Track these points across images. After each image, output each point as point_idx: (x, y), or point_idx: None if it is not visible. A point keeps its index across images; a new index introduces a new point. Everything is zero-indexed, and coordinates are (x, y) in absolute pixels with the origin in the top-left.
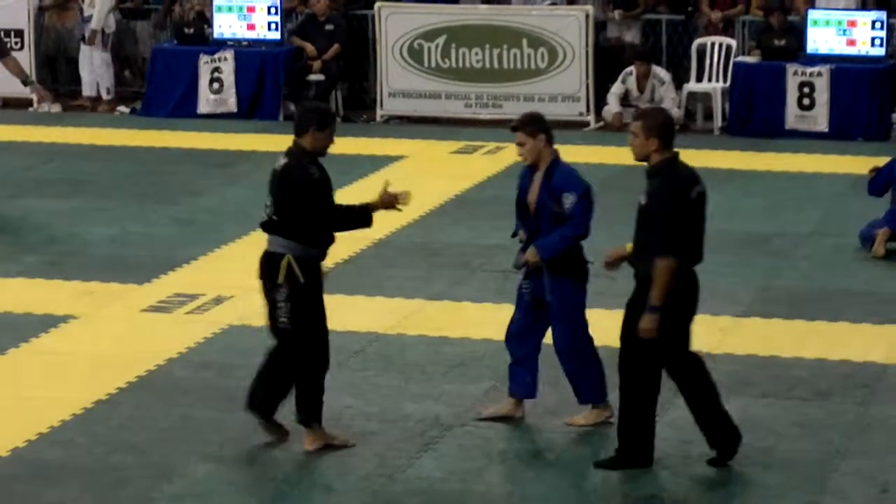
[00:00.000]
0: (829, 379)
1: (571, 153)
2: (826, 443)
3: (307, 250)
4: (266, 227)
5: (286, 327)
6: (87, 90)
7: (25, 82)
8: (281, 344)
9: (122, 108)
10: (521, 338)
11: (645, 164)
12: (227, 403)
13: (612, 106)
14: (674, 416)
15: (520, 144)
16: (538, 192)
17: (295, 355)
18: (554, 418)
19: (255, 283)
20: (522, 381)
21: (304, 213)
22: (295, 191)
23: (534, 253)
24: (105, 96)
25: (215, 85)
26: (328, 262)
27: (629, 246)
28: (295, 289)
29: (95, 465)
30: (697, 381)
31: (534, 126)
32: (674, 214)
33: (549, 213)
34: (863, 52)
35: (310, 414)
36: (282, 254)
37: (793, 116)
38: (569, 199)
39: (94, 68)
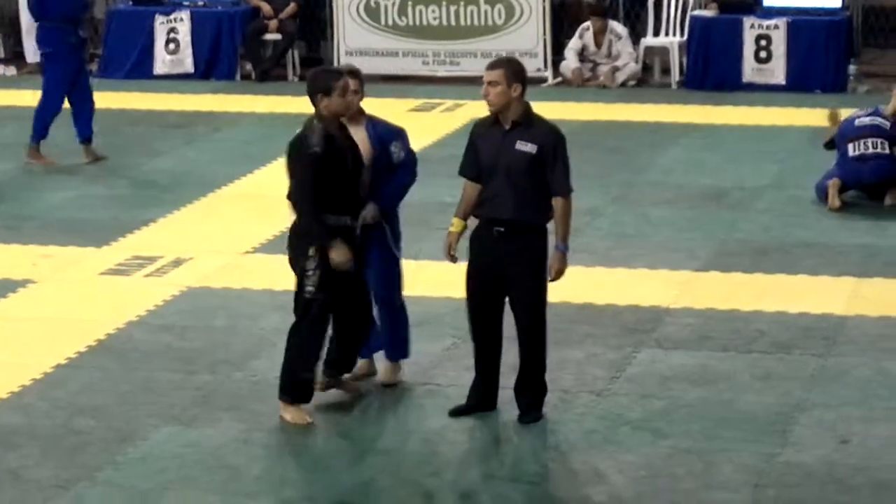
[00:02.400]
0: (788, 332)
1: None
2: (786, 395)
3: (327, 217)
4: (288, 196)
5: (312, 296)
6: (32, 56)
7: None
8: (301, 313)
9: None
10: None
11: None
12: (187, 365)
13: (570, 62)
14: (631, 373)
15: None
16: None
17: (315, 323)
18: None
19: (214, 245)
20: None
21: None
22: (290, 161)
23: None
24: None
25: (171, 45)
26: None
27: (456, 223)
28: (323, 258)
29: (56, 430)
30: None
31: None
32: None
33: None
34: (819, 5)
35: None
36: None
37: (750, 69)
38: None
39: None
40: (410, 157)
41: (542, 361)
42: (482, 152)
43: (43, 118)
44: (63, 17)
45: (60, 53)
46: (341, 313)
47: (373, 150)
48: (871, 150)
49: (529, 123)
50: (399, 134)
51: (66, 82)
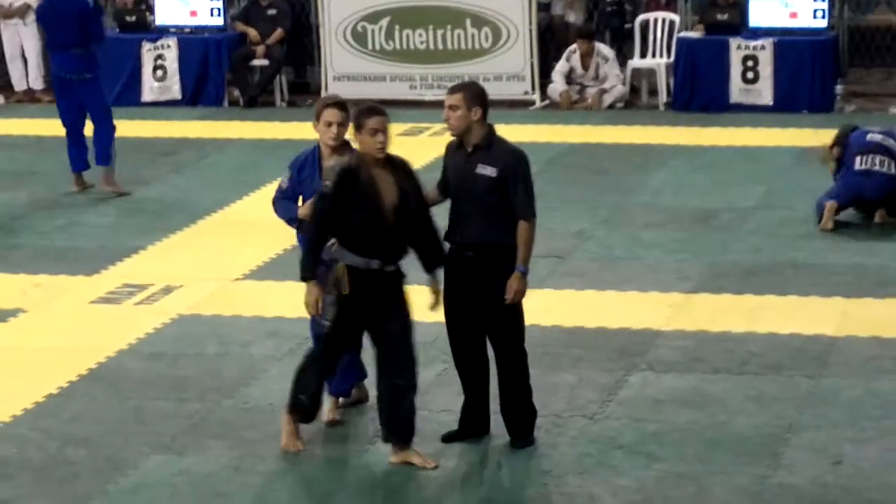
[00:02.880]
0: (779, 353)
1: (518, 133)
2: (779, 417)
3: (353, 258)
4: None
5: (327, 330)
6: (19, 83)
7: None
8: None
9: None
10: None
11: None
12: (178, 393)
13: (558, 84)
14: (623, 396)
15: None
16: None
17: (323, 354)
18: None
19: (204, 272)
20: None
21: None
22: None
23: None
24: (37, 86)
25: (159, 72)
26: None
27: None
28: (341, 296)
29: (48, 460)
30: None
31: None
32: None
33: None
34: (805, 25)
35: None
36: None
37: (737, 90)
38: None
39: (26, 52)
40: None
41: (524, 384)
42: (450, 174)
43: (112, 139)
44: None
45: (100, 76)
46: (383, 368)
47: None
48: (877, 168)
49: (490, 146)
50: None
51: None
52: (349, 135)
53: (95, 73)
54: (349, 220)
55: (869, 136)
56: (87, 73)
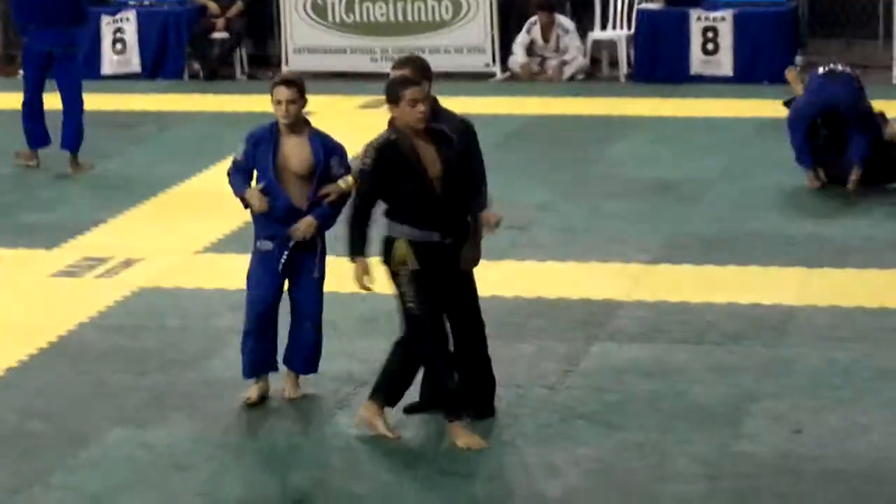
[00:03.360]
0: (739, 323)
1: (479, 105)
2: (738, 386)
3: (412, 232)
4: None
5: (415, 312)
6: None
7: None
8: (409, 330)
9: (23, 72)
10: (274, 314)
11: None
12: (139, 366)
13: (518, 56)
14: (584, 366)
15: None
16: None
17: (429, 337)
18: None
19: (165, 245)
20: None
21: None
22: None
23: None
24: None
25: (118, 45)
26: None
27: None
28: (414, 272)
29: (9, 434)
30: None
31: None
32: None
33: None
34: None
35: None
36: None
37: (697, 62)
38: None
39: None
40: (349, 174)
41: (484, 354)
42: None
43: (83, 123)
44: None
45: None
46: (457, 345)
47: (315, 162)
48: (840, 68)
49: (437, 119)
50: (340, 149)
51: None
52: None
53: (77, 51)
54: (398, 194)
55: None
56: (73, 49)
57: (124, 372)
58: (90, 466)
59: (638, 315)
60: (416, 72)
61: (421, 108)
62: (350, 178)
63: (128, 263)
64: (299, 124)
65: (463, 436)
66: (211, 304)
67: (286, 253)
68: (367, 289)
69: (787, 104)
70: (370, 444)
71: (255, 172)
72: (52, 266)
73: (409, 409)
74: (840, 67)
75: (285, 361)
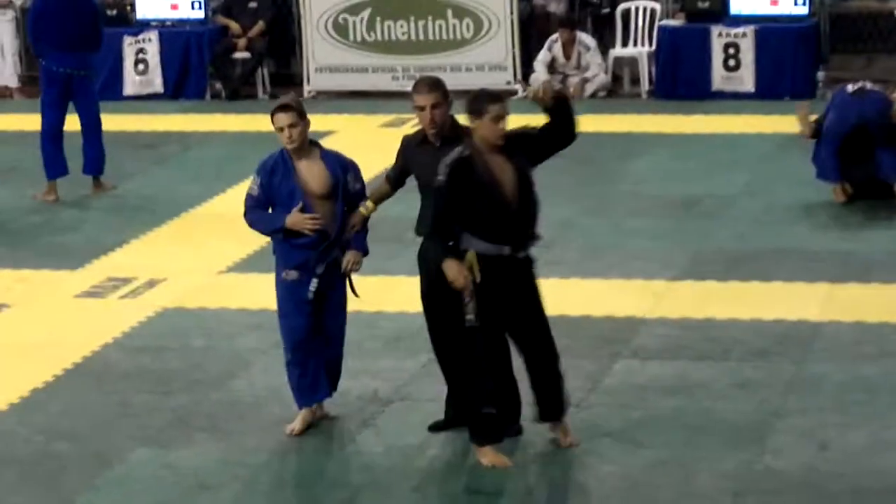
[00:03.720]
0: (764, 339)
1: None
2: (763, 402)
3: (483, 245)
4: None
5: (471, 324)
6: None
7: None
8: (462, 344)
9: (42, 96)
10: (312, 341)
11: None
12: (163, 386)
13: (540, 74)
14: (608, 383)
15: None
16: None
17: (479, 353)
18: None
19: (189, 265)
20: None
21: None
22: None
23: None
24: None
25: (140, 66)
26: None
27: (371, 206)
28: (477, 287)
29: (34, 455)
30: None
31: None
32: None
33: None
34: (786, 12)
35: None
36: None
37: (719, 78)
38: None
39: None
40: (365, 191)
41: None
42: (416, 172)
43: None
44: None
45: None
46: (527, 355)
47: (334, 179)
48: (869, 86)
49: (458, 136)
50: (353, 165)
51: None
52: (464, 121)
53: (94, 74)
54: (473, 211)
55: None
56: (91, 72)
57: (149, 392)
58: (115, 487)
59: (662, 332)
60: (444, 92)
61: (503, 125)
62: (370, 203)
63: (151, 284)
64: (307, 147)
65: (489, 454)
66: (235, 324)
67: (315, 281)
68: (464, 285)
69: (813, 135)
70: (395, 464)
71: (273, 205)
72: (76, 287)
73: (434, 428)
74: (870, 86)
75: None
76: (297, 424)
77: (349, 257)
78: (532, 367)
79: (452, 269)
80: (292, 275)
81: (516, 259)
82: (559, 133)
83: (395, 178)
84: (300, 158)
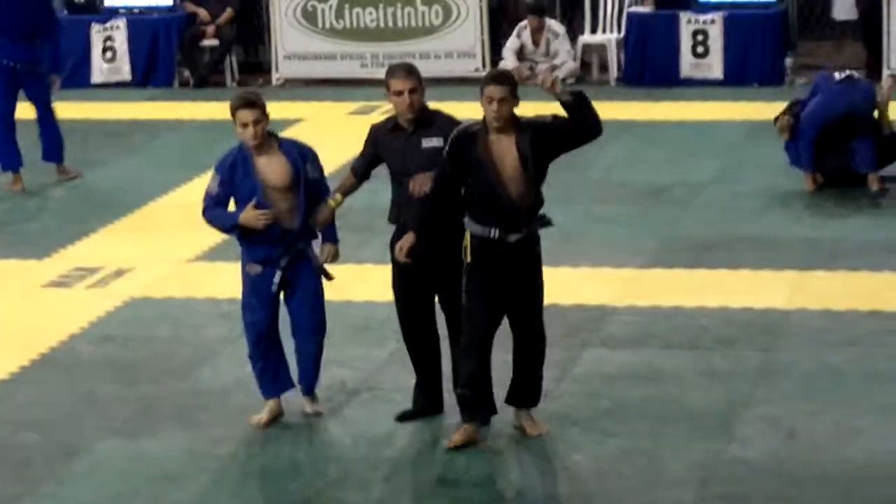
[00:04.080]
0: (732, 327)
1: (469, 110)
2: (731, 391)
3: (474, 227)
4: None
5: (466, 304)
6: None
7: None
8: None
9: None
10: (275, 333)
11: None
12: (130, 377)
13: (509, 61)
14: (576, 372)
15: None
16: None
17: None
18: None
19: (156, 254)
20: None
21: None
22: None
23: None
24: None
25: (108, 54)
26: None
27: (339, 198)
28: (472, 268)
29: (0, 445)
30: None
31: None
32: None
33: None
34: None
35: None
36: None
37: (688, 65)
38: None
39: None
40: (324, 178)
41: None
42: (388, 159)
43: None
44: None
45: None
46: (514, 339)
47: (294, 170)
48: (857, 75)
49: (429, 121)
50: (311, 152)
51: None
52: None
53: (43, 65)
54: (468, 185)
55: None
56: (39, 64)
57: (115, 382)
58: (82, 478)
59: (630, 320)
60: (419, 77)
61: (495, 106)
62: (339, 196)
63: (118, 273)
64: (264, 144)
65: (459, 433)
66: (202, 313)
67: (278, 273)
68: (402, 260)
69: (789, 110)
70: (364, 454)
71: (232, 201)
72: (42, 276)
73: (402, 418)
74: (857, 74)
75: (299, 381)
76: (263, 415)
77: (326, 250)
78: (515, 351)
79: (406, 241)
80: (255, 269)
81: (506, 242)
82: (579, 128)
83: (363, 170)
84: (260, 154)
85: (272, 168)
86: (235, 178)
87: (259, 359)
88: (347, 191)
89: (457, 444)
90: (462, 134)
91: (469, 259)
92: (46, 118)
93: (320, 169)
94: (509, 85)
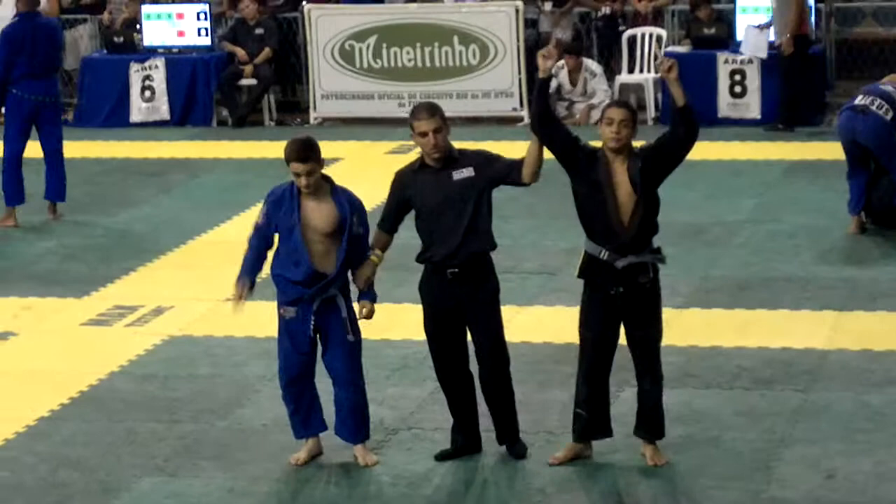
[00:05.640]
0: (771, 367)
1: (506, 149)
2: (770, 431)
3: (588, 244)
4: None
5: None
6: None
7: None
8: None
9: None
10: (308, 377)
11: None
12: (170, 415)
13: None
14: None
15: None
16: None
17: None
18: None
19: (195, 293)
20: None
21: None
22: None
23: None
24: None
25: (147, 93)
26: None
27: (380, 255)
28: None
29: (41, 483)
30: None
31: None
32: None
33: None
34: None
35: None
36: None
37: (725, 104)
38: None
39: None
40: (367, 234)
41: (511, 390)
42: (418, 197)
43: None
44: None
45: None
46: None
47: (341, 218)
48: (874, 109)
49: (455, 157)
50: (361, 206)
51: None
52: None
53: (60, 100)
54: (582, 204)
55: (881, 84)
56: (58, 98)
57: (155, 421)
58: None
59: (669, 360)
60: (443, 116)
61: (614, 128)
62: (379, 252)
63: (158, 312)
64: (319, 189)
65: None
66: (241, 351)
67: (313, 318)
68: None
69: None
70: (402, 493)
71: (276, 236)
72: (82, 315)
73: (441, 457)
74: (875, 106)
75: (336, 432)
76: (302, 454)
77: (365, 308)
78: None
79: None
80: (290, 312)
81: (614, 267)
82: (681, 129)
83: (390, 224)
84: (309, 197)
85: (319, 212)
86: (280, 213)
87: (291, 401)
88: (384, 246)
89: (559, 460)
90: (585, 145)
91: (578, 274)
92: (57, 154)
93: (366, 225)
94: (630, 110)
